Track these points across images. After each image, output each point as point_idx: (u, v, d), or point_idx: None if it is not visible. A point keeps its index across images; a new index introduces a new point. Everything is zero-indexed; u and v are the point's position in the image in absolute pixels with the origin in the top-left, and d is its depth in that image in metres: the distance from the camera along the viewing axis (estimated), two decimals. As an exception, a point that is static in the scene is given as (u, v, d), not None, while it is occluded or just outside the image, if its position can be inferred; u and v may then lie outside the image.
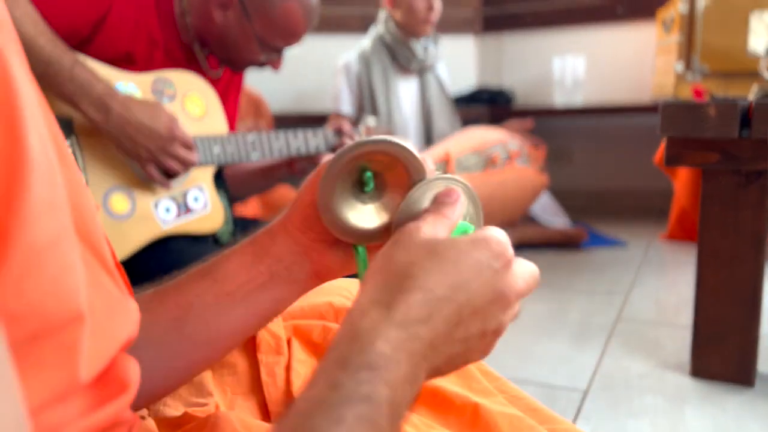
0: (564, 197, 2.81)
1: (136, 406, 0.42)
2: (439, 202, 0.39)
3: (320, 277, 0.46)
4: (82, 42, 1.05)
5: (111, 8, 1.05)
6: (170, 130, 1.03)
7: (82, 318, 0.28)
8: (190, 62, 1.20)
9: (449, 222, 0.38)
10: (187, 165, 1.06)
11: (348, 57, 2.33)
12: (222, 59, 1.22)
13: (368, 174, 0.41)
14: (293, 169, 1.35)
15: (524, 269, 0.37)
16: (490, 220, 1.87)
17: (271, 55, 1.18)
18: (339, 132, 1.32)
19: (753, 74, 1.70)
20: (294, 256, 0.44)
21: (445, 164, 2.06)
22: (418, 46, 2.29)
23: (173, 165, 1.04)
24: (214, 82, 1.25)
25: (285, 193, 2.24)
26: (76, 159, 1.02)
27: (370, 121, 1.50)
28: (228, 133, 1.19)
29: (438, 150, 2.12)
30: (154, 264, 1.07)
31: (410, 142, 0.43)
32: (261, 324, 0.47)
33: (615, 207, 3.06)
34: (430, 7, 2.22)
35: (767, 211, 1.06)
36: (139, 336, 0.37)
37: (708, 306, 1.12)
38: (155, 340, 0.43)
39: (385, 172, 0.42)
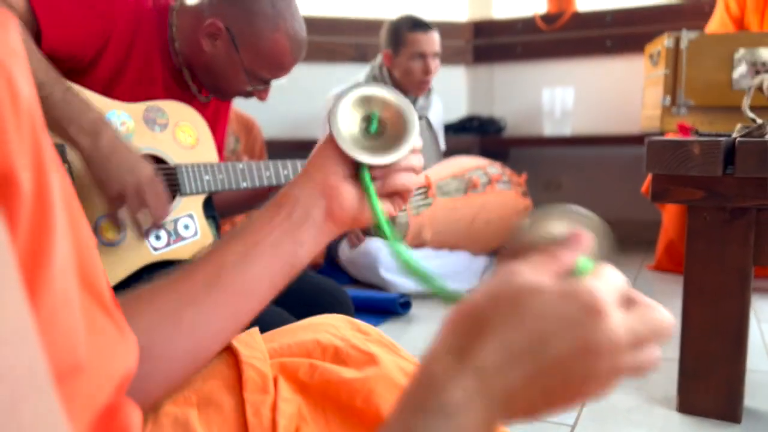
0: (553, 226, 2.82)
1: (185, 373, 0.47)
2: (558, 244, 0.37)
3: (335, 218, 0.50)
4: (87, 65, 1.05)
5: (110, 39, 1.06)
6: (151, 176, 1.01)
7: (81, 368, 0.29)
8: (180, 87, 1.20)
9: (560, 265, 0.35)
10: (155, 216, 1.02)
11: (340, 89, 2.36)
12: (209, 87, 1.23)
13: (375, 113, 0.50)
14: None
15: (636, 319, 0.34)
16: (474, 242, 1.87)
17: (257, 86, 1.19)
18: None
19: (737, 108, 1.74)
20: (310, 196, 0.49)
21: (426, 189, 2.08)
22: (410, 98, 2.31)
23: (140, 213, 1.01)
24: (203, 108, 1.26)
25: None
26: None
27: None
28: (218, 162, 1.19)
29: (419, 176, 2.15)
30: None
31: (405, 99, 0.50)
32: (289, 272, 0.51)
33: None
34: (427, 71, 2.22)
35: (752, 247, 1.07)
36: (177, 300, 0.43)
37: (694, 341, 1.13)
38: (192, 300, 0.46)
39: (386, 119, 0.50)
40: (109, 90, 1.09)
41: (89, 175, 1.04)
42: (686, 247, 1.12)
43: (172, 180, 1.12)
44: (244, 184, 1.20)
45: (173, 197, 1.13)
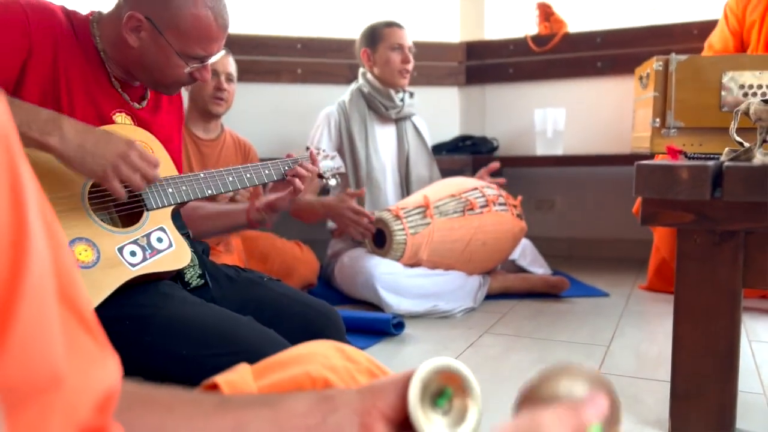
0: (545, 246, 2.83)
1: None
2: (581, 401, 0.40)
3: None
4: (11, 94, 1.05)
5: (31, 52, 1.06)
6: (129, 142, 1.04)
7: (60, 381, 0.29)
8: (116, 96, 1.20)
9: (579, 423, 0.38)
10: (148, 178, 1.07)
11: (329, 109, 2.41)
12: (150, 84, 1.23)
13: (448, 391, 0.47)
14: (248, 217, 1.42)
15: None
16: (470, 263, 1.88)
17: (194, 67, 1.19)
18: (291, 161, 1.39)
19: (726, 129, 1.76)
20: (352, 414, 0.46)
21: (424, 209, 2.09)
22: (394, 95, 2.40)
23: (135, 177, 1.05)
24: (147, 114, 1.26)
25: (269, 242, 2.24)
26: None
27: (316, 150, 1.53)
28: (179, 174, 1.21)
29: (416, 197, 2.16)
30: (126, 313, 1.07)
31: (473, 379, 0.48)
32: None
33: (596, 256, 3.09)
34: (405, 60, 2.35)
35: (741, 270, 1.08)
36: None
37: (686, 363, 1.13)
38: None
39: (455, 392, 0.48)
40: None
41: (74, 171, 1.04)
42: (676, 270, 1.13)
43: (137, 197, 1.14)
44: (209, 192, 1.22)
45: (141, 214, 1.14)
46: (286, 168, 1.38)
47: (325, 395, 0.48)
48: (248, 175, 1.30)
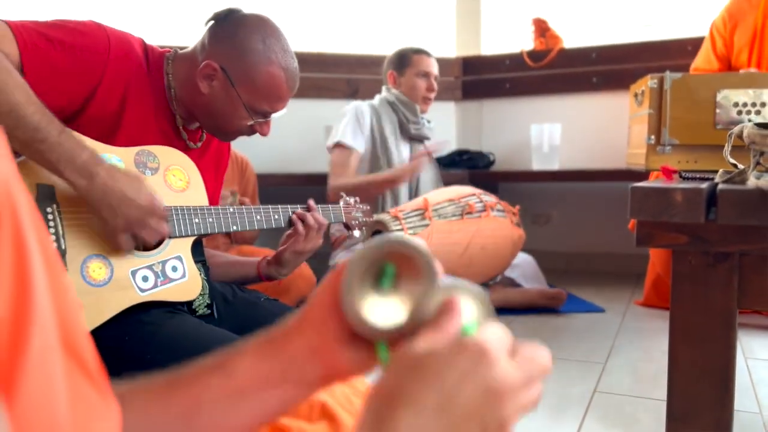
0: (542, 260, 2.84)
1: None
2: (439, 315, 0.40)
3: (330, 378, 0.46)
4: (73, 114, 1.07)
5: (102, 81, 1.08)
6: (151, 203, 1.04)
7: None
8: (177, 136, 1.22)
9: (448, 333, 0.39)
10: (160, 236, 1.07)
11: (359, 103, 2.41)
12: (211, 130, 1.25)
13: (390, 269, 0.43)
14: (259, 272, 1.37)
15: (522, 361, 0.38)
16: (469, 268, 1.87)
17: (258, 119, 1.21)
18: (323, 207, 1.37)
19: (721, 147, 1.77)
20: (308, 357, 0.45)
21: (423, 211, 2.10)
22: (419, 112, 2.44)
23: (147, 236, 1.05)
24: (197, 154, 1.28)
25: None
26: (56, 226, 1.02)
27: (350, 199, 1.52)
28: (208, 205, 1.21)
29: (415, 200, 2.18)
30: (127, 330, 1.07)
31: (424, 244, 0.44)
32: (267, 422, 0.47)
33: (592, 270, 3.10)
34: (430, 88, 2.42)
35: (736, 291, 1.09)
36: (148, 428, 0.39)
37: (681, 384, 1.14)
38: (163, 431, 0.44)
39: (401, 267, 0.44)
40: (106, 140, 1.10)
41: (80, 215, 1.05)
42: (672, 290, 1.14)
43: None
44: (234, 228, 1.22)
45: (162, 239, 1.14)
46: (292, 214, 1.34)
47: (272, 346, 0.45)
48: (276, 217, 1.29)
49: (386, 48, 2.53)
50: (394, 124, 2.42)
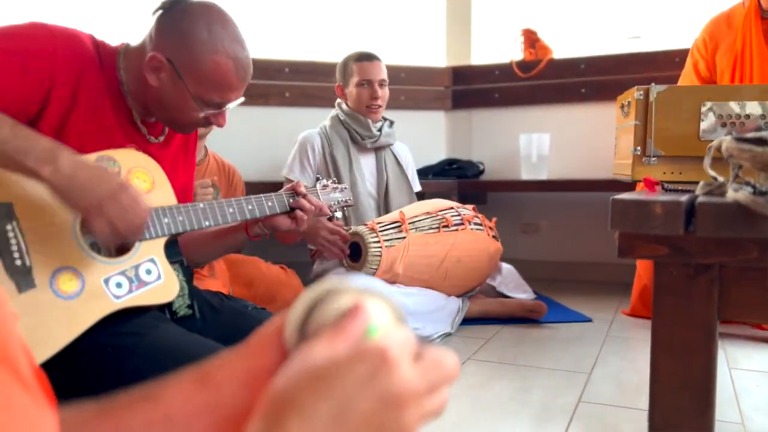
0: (530, 269, 2.85)
1: None
2: (342, 318, 0.39)
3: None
4: (29, 122, 1.05)
5: (55, 82, 1.06)
6: (121, 181, 1.01)
7: None
8: (136, 130, 1.21)
9: (349, 337, 0.37)
10: (137, 221, 1.02)
11: (309, 132, 2.42)
12: (165, 123, 1.24)
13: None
14: (248, 232, 1.36)
15: (425, 366, 0.37)
16: (446, 280, 1.88)
17: (210, 111, 1.19)
18: (293, 193, 1.36)
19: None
20: (237, 387, 0.43)
21: (400, 224, 2.11)
22: (372, 124, 2.40)
23: (123, 218, 1.00)
24: (160, 149, 1.26)
25: (254, 266, 2.23)
26: (18, 243, 0.99)
27: (326, 181, 1.53)
28: (177, 204, 1.19)
29: (393, 213, 2.19)
30: (110, 341, 1.06)
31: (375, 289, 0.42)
32: None
33: (580, 279, 3.11)
34: (373, 96, 2.35)
35: (716, 303, 1.10)
36: None
37: (662, 395, 1.14)
38: None
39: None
40: (58, 140, 1.07)
41: (42, 229, 1.02)
42: (653, 302, 1.14)
43: None
44: (207, 223, 1.20)
45: (132, 243, 1.11)
46: (290, 201, 1.35)
47: (203, 374, 0.45)
48: (249, 207, 1.27)
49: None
50: (346, 143, 2.39)
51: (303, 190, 1.36)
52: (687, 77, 2.45)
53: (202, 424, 0.44)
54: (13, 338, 0.34)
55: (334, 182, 1.55)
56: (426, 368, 0.37)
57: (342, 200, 1.54)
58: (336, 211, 1.53)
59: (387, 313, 0.41)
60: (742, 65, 2.25)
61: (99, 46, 1.17)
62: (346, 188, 1.58)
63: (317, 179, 1.52)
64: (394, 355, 0.35)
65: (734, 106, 1.84)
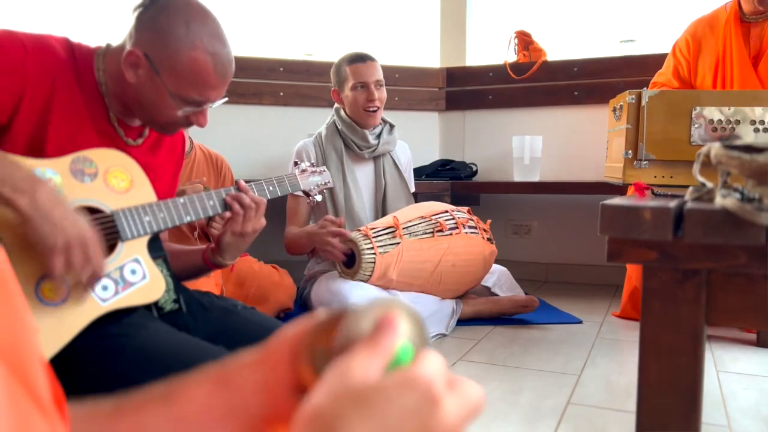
0: (521, 270, 2.86)
1: None
2: (375, 332, 0.38)
3: (274, 421, 0.44)
4: (2, 128, 1.04)
5: (26, 90, 1.05)
6: (92, 232, 0.99)
7: None
8: (113, 130, 1.20)
9: (385, 353, 0.37)
10: (95, 274, 1.00)
11: (305, 142, 2.38)
12: (145, 122, 1.22)
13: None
14: (204, 257, 1.32)
15: (461, 401, 0.37)
16: (440, 285, 1.88)
17: (189, 109, 1.17)
18: (266, 180, 1.34)
19: (696, 163, 1.81)
20: (255, 392, 0.43)
21: (393, 230, 2.11)
22: (369, 134, 2.36)
23: (83, 266, 0.98)
24: (145, 152, 1.25)
25: (247, 265, 2.23)
26: None
27: (304, 164, 1.52)
28: (156, 201, 1.17)
29: (386, 218, 2.18)
30: (99, 344, 1.05)
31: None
32: None
33: (571, 281, 3.12)
34: (370, 98, 2.28)
35: (704, 307, 1.11)
36: None
37: (650, 398, 1.15)
38: None
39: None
40: (35, 148, 1.06)
41: (22, 238, 0.98)
42: (642, 305, 1.15)
43: (111, 227, 1.09)
44: (188, 218, 1.18)
45: (115, 244, 1.10)
46: (270, 188, 1.32)
47: (222, 377, 0.44)
48: (211, 203, 1.24)
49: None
50: (340, 154, 2.34)
51: (243, 185, 1.29)
52: (664, 75, 2.47)
53: (216, 426, 0.43)
54: (33, 356, 0.33)
55: (312, 165, 1.53)
56: (460, 404, 0.37)
57: (321, 183, 1.53)
58: (316, 194, 1.52)
59: (414, 329, 0.40)
60: (723, 69, 2.27)
61: (74, 49, 1.15)
62: (324, 171, 1.56)
63: (295, 163, 1.51)
64: (439, 390, 0.36)
65: (725, 111, 1.86)
